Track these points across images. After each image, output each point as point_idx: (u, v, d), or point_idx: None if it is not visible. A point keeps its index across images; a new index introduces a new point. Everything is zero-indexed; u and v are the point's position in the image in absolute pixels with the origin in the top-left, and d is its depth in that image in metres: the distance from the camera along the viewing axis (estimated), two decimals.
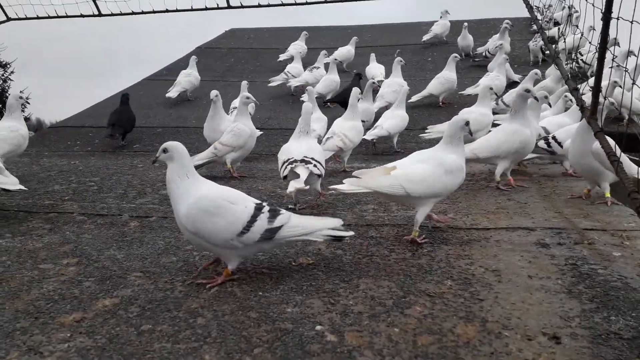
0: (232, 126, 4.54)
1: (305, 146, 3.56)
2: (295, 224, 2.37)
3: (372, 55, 8.29)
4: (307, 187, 3.36)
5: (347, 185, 2.78)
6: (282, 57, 9.38)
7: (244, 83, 6.59)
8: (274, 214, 2.35)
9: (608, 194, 3.34)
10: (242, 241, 2.28)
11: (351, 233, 2.50)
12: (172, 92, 7.86)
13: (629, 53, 5.59)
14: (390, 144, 5.46)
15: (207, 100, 5.37)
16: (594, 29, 5.53)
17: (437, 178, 2.77)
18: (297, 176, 3.28)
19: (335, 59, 8.04)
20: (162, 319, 2.05)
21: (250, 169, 4.73)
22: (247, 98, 4.61)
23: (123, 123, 6.09)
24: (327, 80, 7.29)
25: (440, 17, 10.58)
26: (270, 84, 8.14)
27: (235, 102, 6.44)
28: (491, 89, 5.06)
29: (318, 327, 1.96)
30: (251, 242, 2.30)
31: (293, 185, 3.22)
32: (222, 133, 4.63)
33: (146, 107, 7.69)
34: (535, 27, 8.76)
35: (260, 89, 8.10)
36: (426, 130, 5.12)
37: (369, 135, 5.16)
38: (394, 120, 5.29)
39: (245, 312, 2.08)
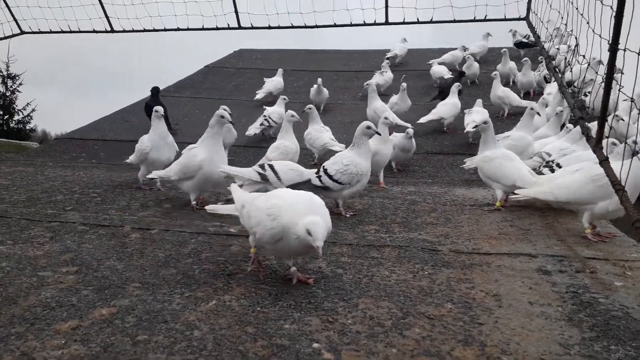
0: (278, 144, 4.67)
1: (334, 158, 3.84)
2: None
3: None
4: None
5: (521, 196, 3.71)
6: (388, 54, 11.21)
7: (282, 98, 7.09)
8: None
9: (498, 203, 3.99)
10: None
11: None
12: (260, 94, 8.85)
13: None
14: None
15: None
16: (601, 63, 5.60)
17: (581, 186, 3.21)
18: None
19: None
20: (159, 330, 2.03)
21: None
22: (292, 116, 4.81)
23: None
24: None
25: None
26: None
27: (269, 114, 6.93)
28: (532, 108, 5.26)
29: (315, 345, 1.94)
30: None
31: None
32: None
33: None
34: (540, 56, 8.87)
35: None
36: (466, 162, 5.16)
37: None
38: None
39: (242, 327, 2.06)
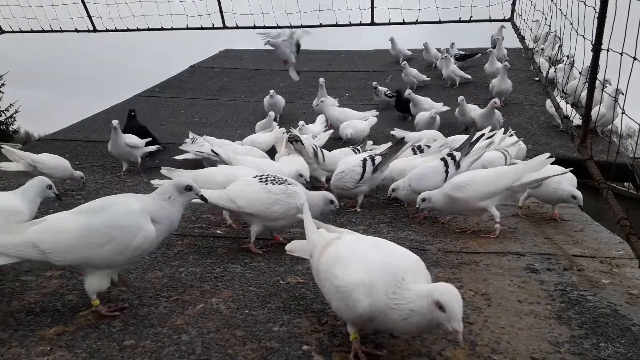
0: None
1: None
2: None
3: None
4: None
5: None
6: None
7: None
8: None
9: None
10: None
11: None
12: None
13: (604, 82, 5.65)
14: None
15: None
16: (572, 57, 5.68)
17: None
18: None
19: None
20: (146, 334, 1.99)
21: None
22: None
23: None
24: None
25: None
26: None
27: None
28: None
29: (305, 347, 1.92)
30: None
31: None
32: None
33: None
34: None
35: (253, 107, 8.11)
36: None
37: None
38: None
39: (230, 330, 2.03)
